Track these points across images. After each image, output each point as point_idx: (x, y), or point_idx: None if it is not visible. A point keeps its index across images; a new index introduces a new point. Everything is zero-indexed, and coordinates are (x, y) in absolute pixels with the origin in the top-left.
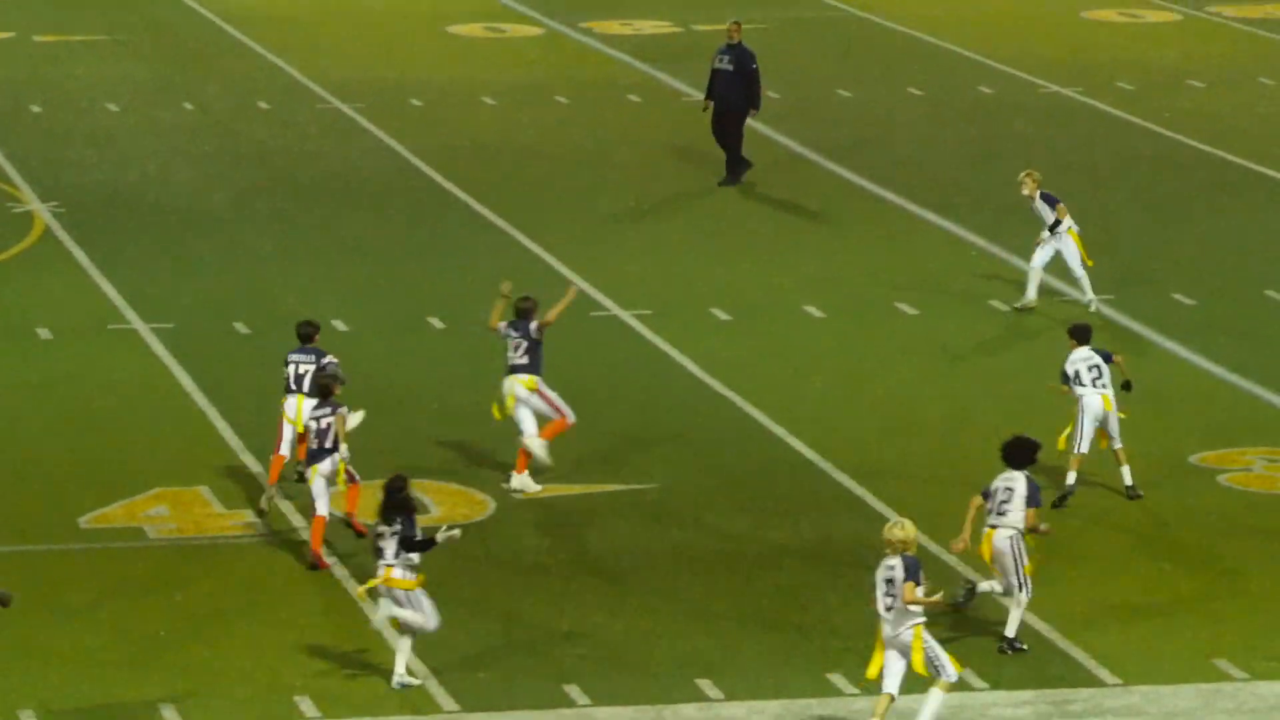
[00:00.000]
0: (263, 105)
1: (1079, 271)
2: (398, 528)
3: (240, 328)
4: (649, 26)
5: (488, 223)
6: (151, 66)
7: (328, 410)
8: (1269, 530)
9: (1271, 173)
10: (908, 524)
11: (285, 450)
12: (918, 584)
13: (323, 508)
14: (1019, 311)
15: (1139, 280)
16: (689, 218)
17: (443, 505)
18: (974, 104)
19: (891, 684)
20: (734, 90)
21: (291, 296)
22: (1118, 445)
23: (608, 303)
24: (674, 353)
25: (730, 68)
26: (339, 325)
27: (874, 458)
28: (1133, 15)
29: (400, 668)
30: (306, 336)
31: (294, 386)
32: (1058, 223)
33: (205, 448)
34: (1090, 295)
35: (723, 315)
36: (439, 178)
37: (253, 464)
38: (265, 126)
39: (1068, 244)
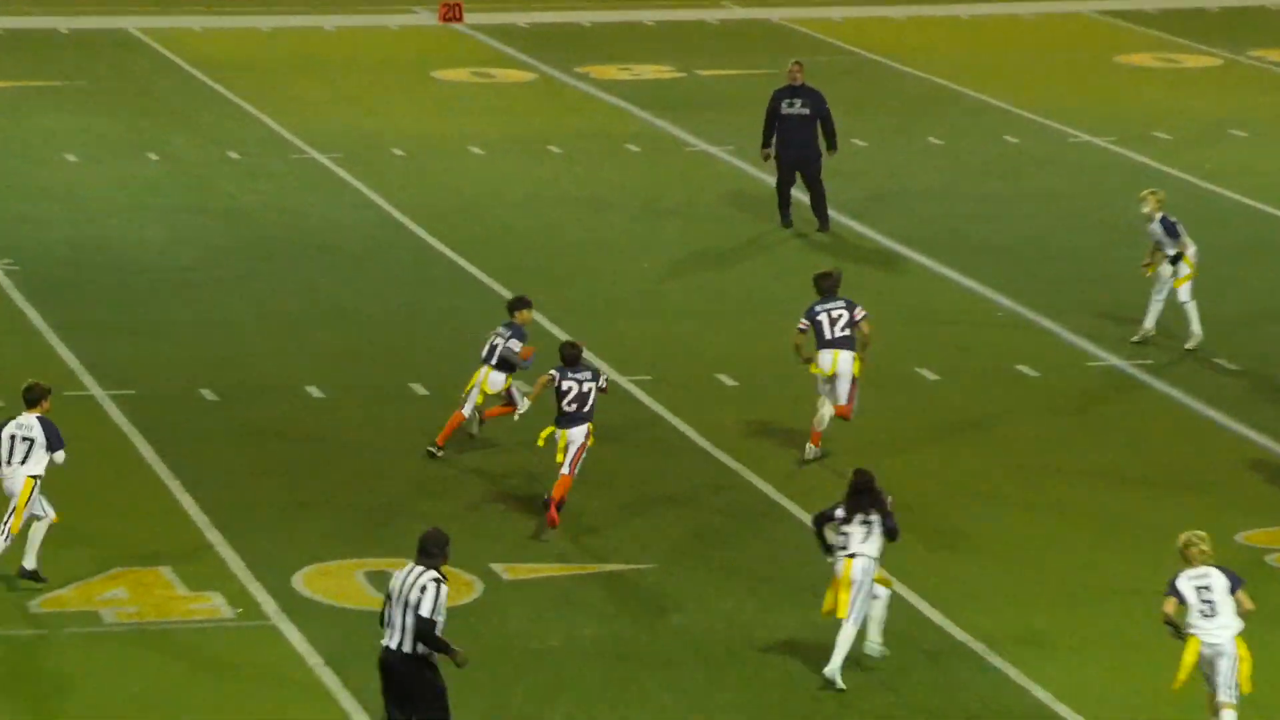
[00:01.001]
0: (234, 156)
1: (1158, 303)
2: (872, 517)
3: (207, 394)
4: (649, 71)
5: (476, 282)
6: (114, 115)
7: (587, 374)
8: None
9: None
10: (1205, 535)
11: (467, 410)
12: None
13: (568, 467)
14: (1189, 352)
15: (1178, 344)
16: (693, 277)
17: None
18: (999, 155)
19: (1225, 695)
20: (812, 137)
21: (264, 362)
22: None
23: (605, 367)
24: (675, 421)
25: (806, 111)
26: (314, 392)
27: None
28: (1170, 60)
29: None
30: (511, 309)
31: (484, 357)
32: (1178, 256)
33: (167, 525)
34: (1148, 327)
35: (728, 381)
36: (423, 234)
37: (218, 541)
38: (237, 179)
39: (1174, 275)
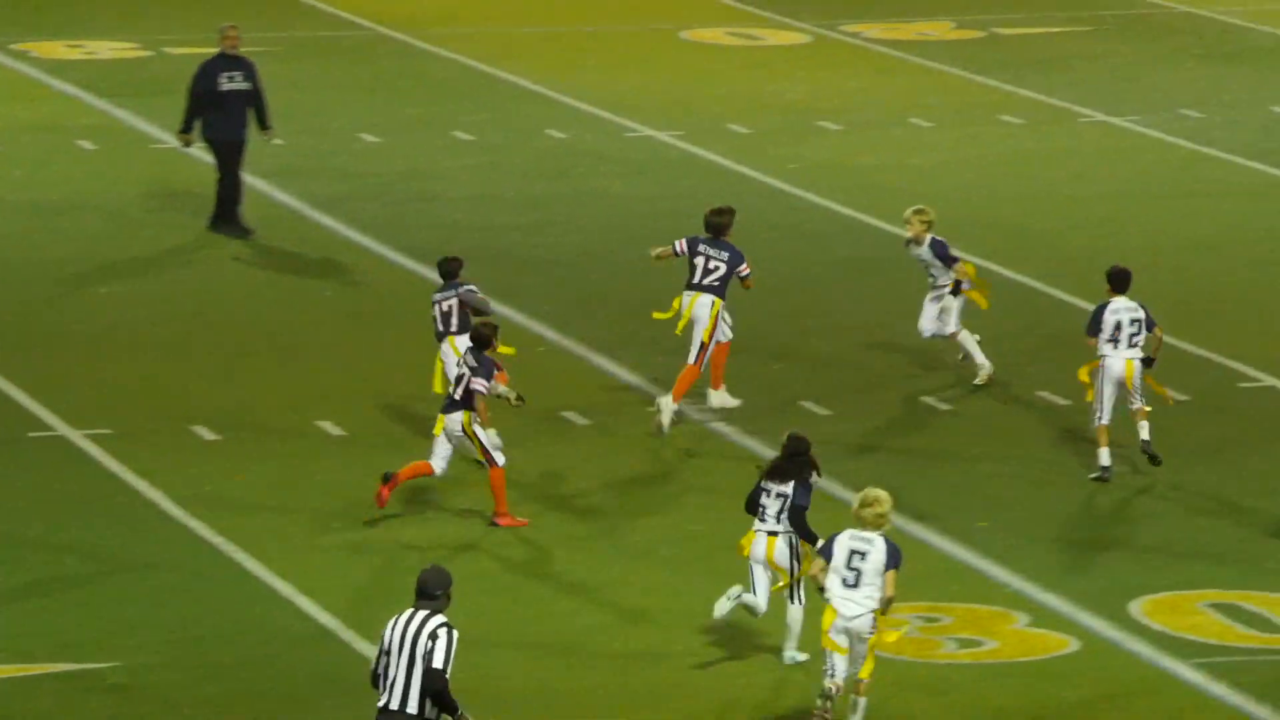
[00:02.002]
0: None
1: (969, 337)
2: (788, 490)
3: None
4: (106, 49)
5: None
6: None
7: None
8: None
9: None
10: (885, 495)
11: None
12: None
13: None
14: (977, 388)
15: (762, 396)
16: (163, 304)
17: None
18: (541, 152)
19: (840, 673)
20: (250, 117)
21: None
22: (1136, 405)
23: (54, 420)
24: (142, 485)
25: (248, 86)
26: None
27: None
28: (748, 37)
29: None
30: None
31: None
32: (959, 285)
33: None
34: (983, 364)
35: (207, 435)
36: None
37: None
38: None
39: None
